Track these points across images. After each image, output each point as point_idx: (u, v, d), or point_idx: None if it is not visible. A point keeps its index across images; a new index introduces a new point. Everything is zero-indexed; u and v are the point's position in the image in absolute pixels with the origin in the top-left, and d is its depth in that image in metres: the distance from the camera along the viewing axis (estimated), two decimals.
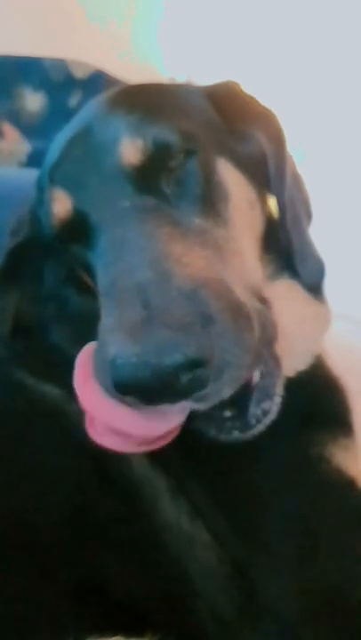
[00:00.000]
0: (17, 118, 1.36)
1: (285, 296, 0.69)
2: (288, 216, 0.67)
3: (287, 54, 1.72)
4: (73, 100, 1.40)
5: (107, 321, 0.51)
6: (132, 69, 1.52)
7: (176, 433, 0.54)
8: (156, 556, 0.56)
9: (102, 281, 0.56)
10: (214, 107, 0.69)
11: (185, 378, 0.45)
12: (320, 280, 0.72)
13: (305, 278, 0.69)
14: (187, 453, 0.60)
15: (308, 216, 0.75)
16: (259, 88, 0.78)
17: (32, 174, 0.72)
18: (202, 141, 0.62)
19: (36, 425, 0.62)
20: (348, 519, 0.60)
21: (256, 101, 0.71)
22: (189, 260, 0.52)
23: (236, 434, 0.57)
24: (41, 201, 0.67)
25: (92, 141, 0.62)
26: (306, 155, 1.61)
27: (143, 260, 0.52)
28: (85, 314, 0.59)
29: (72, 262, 0.66)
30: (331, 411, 0.68)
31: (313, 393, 0.68)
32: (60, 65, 1.40)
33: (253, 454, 0.59)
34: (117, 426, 0.51)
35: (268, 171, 0.68)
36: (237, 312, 0.50)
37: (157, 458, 0.59)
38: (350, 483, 0.61)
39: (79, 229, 0.61)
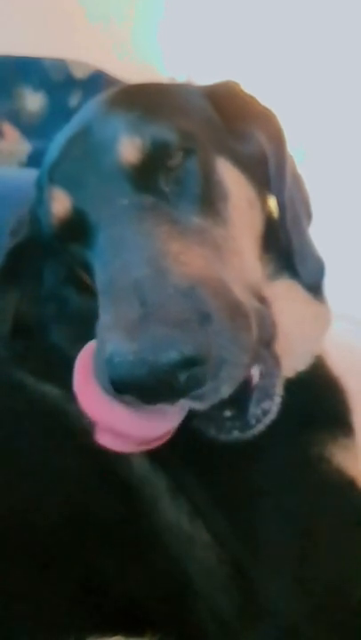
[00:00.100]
0: (17, 118, 1.36)
1: (285, 296, 0.69)
2: (288, 216, 0.67)
3: (287, 54, 1.72)
4: (73, 100, 1.40)
5: (104, 319, 0.51)
6: (132, 69, 1.52)
7: (172, 432, 0.54)
8: (156, 556, 0.56)
9: (100, 279, 0.56)
10: (214, 106, 0.69)
11: (182, 376, 0.45)
12: (320, 280, 0.72)
13: (305, 278, 0.69)
14: (187, 453, 0.60)
15: (308, 216, 0.75)
16: (259, 88, 0.78)
17: (32, 174, 0.72)
18: (201, 140, 0.62)
19: (36, 425, 0.62)
20: (349, 519, 0.60)
21: (256, 101, 0.71)
22: (187, 259, 0.52)
23: (235, 434, 0.57)
24: (40, 200, 0.67)
25: (91, 140, 0.62)
26: (306, 155, 1.61)
27: (141, 258, 0.52)
28: (85, 314, 0.59)
29: (71, 262, 0.66)
30: (331, 411, 0.68)
31: (313, 393, 0.68)
32: (60, 65, 1.40)
33: (253, 454, 0.59)
34: (116, 427, 0.51)
35: (268, 170, 0.68)
36: (235, 310, 0.50)
37: (157, 458, 0.59)
38: (350, 483, 0.61)
39: (78, 228, 0.61)
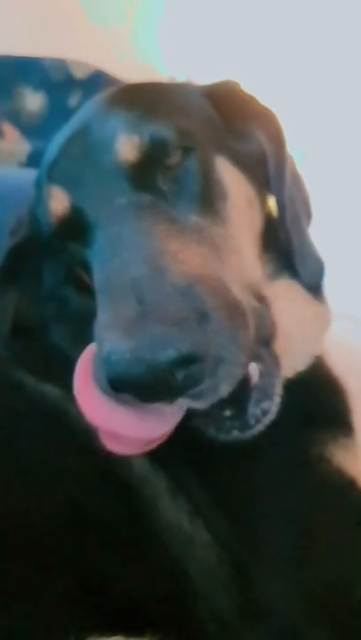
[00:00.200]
0: (17, 118, 1.36)
1: (285, 296, 0.69)
2: (288, 215, 0.67)
3: (287, 54, 1.72)
4: (73, 100, 1.40)
5: (102, 318, 0.51)
6: (132, 69, 1.52)
7: (171, 431, 0.54)
8: (156, 556, 0.56)
9: (98, 278, 0.56)
10: (214, 106, 0.69)
11: (180, 374, 0.45)
12: (320, 280, 0.72)
13: (305, 278, 0.69)
14: (187, 453, 0.60)
15: (308, 216, 0.75)
16: (259, 88, 0.78)
17: (32, 174, 0.72)
18: (200, 139, 0.62)
19: (36, 425, 0.62)
20: (349, 519, 0.60)
21: (256, 100, 0.71)
22: (185, 257, 0.52)
23: (235, 433, 0.57)
24: (39, 199, 0.67)
25: (89, 139, 0.62)
26: (306, 155, 1.61)
27: (138, 257, 0.52)
28: (85, 313, 0.59)
29: (70, 261, 0.66)
30: (331, 411, 0.68)
31: (313, 393, 0.68)
32: (60, 65, 1.40)
33: (253, 454, 0.59)
34: (117, 430, 0.51)
35: (267, 170, 0.68)
36: (233, 309, 0.50)
37: (157, 458, 0.59)
38: (350, 483, 0.61)
39: (76, 227, 0.61)
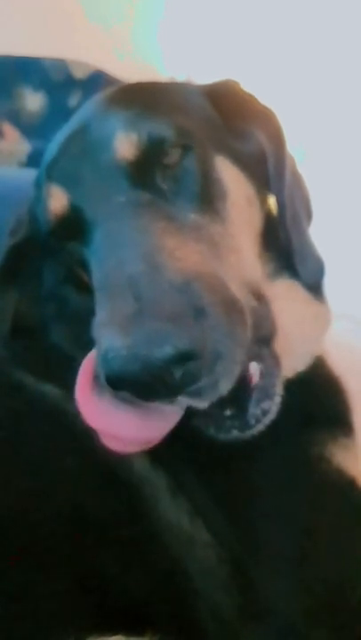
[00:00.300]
0: (17, 118, 1.36)
1: (285, 296, 0.69)
2: (288, 215, 0.67)
3: (287, 54, 1.71)
4: (73, 100, 1.40)
5: (100, 315, 0.51)
6: (132, 69, 1.52)
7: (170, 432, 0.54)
8: (157, 555, 0.56)
9: (96, 276, 0.56)
10: (213, 105, 0.69)
11: (177, 372, 0.45)
12: (320, 279, 0.72)
13: (305, 278, 0.69)
14: (187, 453, 0.60)
15: (308, 215, 0.75)
16: (259, 87, 0.78)
17: (32, 174, 0.72)
18: (199, 138, 0.62)
19: (36, 425, 0.62)
20: (348, 519, 0.60)
21: (255, 100, 0.71)
22: (183, 254, 0.52)
23: (235, 433, 0.57)
24: (39, 199, 0.67)
25: (88, 138, 0.62)
26: (306, 155, 1.61)
27: (136, 254, 0.52)
28: (85, 313, 0.59)
29: (70, 260, 0.66)
30: (331, 411, 0.68)
31: (313, 393, 0.68)
32: (60, 65, 1.40)
33: (253, 454, 0.59)
34: (118, 433, 0.51)
35: (267, 169, 0.68)
36: (230, 306, 0.50)
37: (157, 457, 0.59)
38: (350, 483, 0.61)
39: (75, 225, 0.61)
